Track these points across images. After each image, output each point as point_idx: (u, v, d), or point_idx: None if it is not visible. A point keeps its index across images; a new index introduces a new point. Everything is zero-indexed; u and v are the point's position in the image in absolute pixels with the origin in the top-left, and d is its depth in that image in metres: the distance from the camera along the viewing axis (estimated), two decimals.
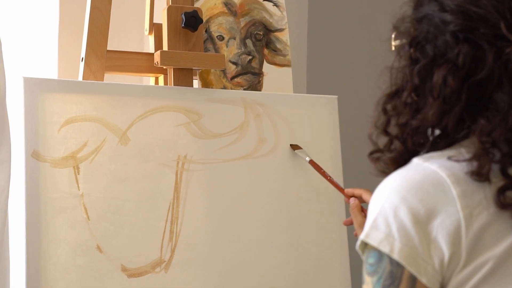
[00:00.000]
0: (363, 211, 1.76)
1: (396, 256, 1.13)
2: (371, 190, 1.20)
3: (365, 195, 1.80)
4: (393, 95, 1.23)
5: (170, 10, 2.03)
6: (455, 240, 1.13)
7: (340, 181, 2.15)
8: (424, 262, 1.13)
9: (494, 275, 1.14)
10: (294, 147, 2.11)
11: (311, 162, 2.05)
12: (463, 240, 1.13)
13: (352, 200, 1.80)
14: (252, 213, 2.05)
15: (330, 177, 2.01)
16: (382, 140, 1.26)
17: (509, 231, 1.15)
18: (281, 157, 2.10)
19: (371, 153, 1.27)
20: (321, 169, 2.03)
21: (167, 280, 1.94)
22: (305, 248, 2.09)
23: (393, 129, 1.24)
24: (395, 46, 1.30)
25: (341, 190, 1.94)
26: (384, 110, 1.24)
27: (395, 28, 1.27)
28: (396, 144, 1.23)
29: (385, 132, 1.24)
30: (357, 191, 1.82)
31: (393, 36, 1.32)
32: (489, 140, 1.16)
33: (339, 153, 2.17)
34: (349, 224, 1.84)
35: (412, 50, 1.22)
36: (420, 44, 1.22)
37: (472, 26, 1.19)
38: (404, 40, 1.25)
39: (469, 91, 1.18)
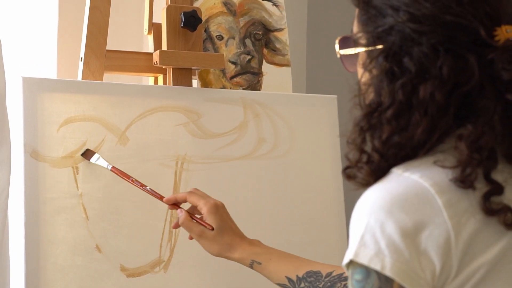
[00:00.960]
0: (193, 217, 1.68)
1: (388, 272, 1.11)
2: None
3: (190, 198, 1.71)
4: (373, 111, 1.19)
5: (169, 9, 2.03)
6: (445, 251, 1.12)
7: (339, 181, 2.14)
8: (417, 276, 1.11)
9: (487, 281, 1.13)
10: (88, 154, 1.88)
11: (114, 169, 1.84)
12: (453, 250, 1.12)
13: (179, 212, 1.70)
14: (251, 213, 2.04)
15: (143, 185, 1.81)
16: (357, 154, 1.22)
17: (498, 236, 1.14)
18: (280, 157, 2.10)
19: (346, 169, 1.23)
20: (130, 177, 1.82)
21: (166, 280, 1.94)
22: (305, 248, 2.08)
23: (370, 143, 1.20)
24: (350, 55, 1.26)
25: (160, 198, 1.76)
26: (361, 127, 1.21)
27: (358, 38, 1.22)
28: (375, 156, 1.19)
29: (362, 149, 1.20)
30: (180, 196, 1.72)
31: (338, 42, 1.29)
32: (476, 146, 1.14)
33: (338, 153, 2.17)
34: (178, 227, 1.73)
35: (387, 64, 1.17)
36: (395, 57, 1.17)
37: (450, 36, 1.15)
38: (365, 50, 1.21)
39: (456, 102, 1.15)
